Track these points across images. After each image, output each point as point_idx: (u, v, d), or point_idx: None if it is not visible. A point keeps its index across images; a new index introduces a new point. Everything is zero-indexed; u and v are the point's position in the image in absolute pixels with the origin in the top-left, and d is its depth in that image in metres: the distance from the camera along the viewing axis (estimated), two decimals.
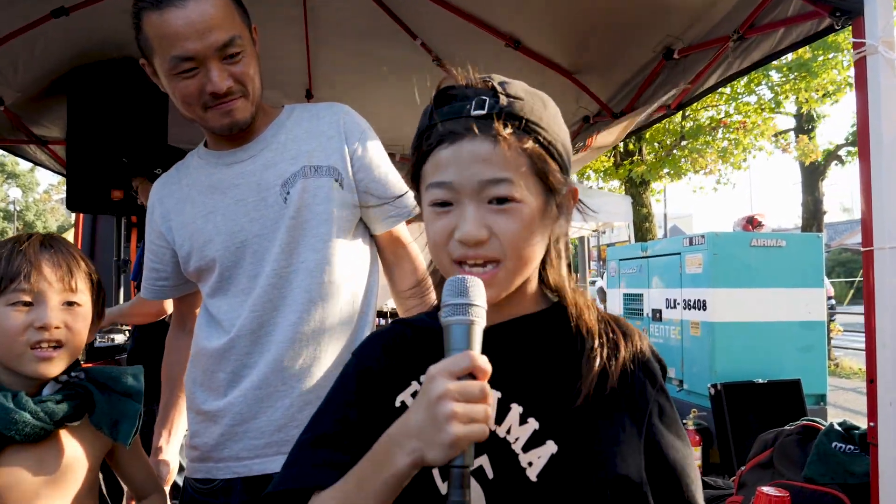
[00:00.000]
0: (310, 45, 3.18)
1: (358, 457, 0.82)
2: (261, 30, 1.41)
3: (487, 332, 0.77)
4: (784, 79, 10.50)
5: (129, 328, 3.47)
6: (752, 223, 6.58)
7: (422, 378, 0.86)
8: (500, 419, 0.83)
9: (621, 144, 11.47)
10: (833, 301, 11.72)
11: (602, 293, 7.53)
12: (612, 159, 12.44)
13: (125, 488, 1.42)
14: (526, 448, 0.81)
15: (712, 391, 4.11)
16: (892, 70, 1.65)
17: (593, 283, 11.92)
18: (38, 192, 40.49)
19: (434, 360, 0.85)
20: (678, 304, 5.02)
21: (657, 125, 10.44)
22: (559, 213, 0.87)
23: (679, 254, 5.02)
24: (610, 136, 3.28)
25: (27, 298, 1.10)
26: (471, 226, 0.80)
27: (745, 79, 10.29)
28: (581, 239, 11.59)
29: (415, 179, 0.88)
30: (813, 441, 2.51)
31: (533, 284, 0.90)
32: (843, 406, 7.27)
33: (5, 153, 3.74)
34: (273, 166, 1.40)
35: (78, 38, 2.78)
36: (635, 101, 2.99)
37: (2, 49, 2.61)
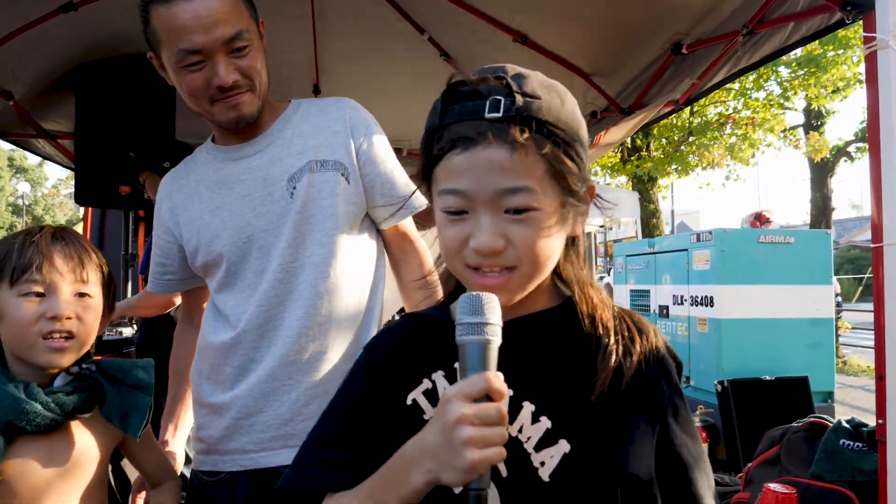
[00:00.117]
0: (317, 40, 3.18)
1: (367, 456, 0.81)
2: (268, 24, 1.41)
3: (502, 328, 0.77)
4: (793, 74, 10.43)
5: (137, 321, 3.49)
6: (760, 219, 6.55)
7: (433, 376, 0.86)
8: (512, 417, 0.81)
9: (628, 140, 11.43)
10: (839, 298, 11.67)
11: (609, 289, 7.51)
12: (619, 155, 12.40)
13: (132, 480, 1.43)
14: (538, 447, 0.80)
15: (719, 388, 4.11)
16: None
17: (601, 279, 11.89)
18: (46, 186, 40.73)
19: (444, 356, 0.84)
20: (685, 300, 5.01)
21: (665, 121, 10.40)
22: (577, 211, 0.83)
23: (686, 250, 5.01)
24: (619, 132, 3.27)
25: (39, 289, 1.11)
26: (487, 236, 0.77)
27: (754, 74, 10.23)
28: (588, 235, 11.56)
29: (426, 177, 0.85)
30: (821, 438, 2.50)
31: (547, 280, 0.88)
32: (850, 403, 7.24)
33: (14, 147, 3.75)
34: (279, 161, 1.40)
35: (86, 33, 2.79)
36: (643, 97, 2.97)
37: (11, 44, 2.62)
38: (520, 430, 0.82)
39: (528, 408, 0.82)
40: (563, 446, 0.80)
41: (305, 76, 3.44)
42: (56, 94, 3.18)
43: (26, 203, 36.57)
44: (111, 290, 1.24)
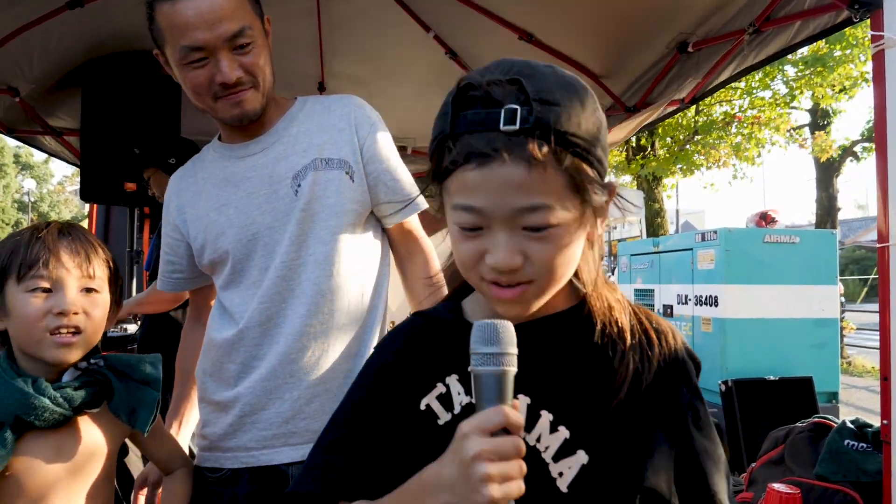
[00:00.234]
0: (322, 38, 3.18)
1: (378, 461, 0.81)
2: (273, 21, 1.41)
3: (517, 330, 0.76)
4: (800, 73, 10.40)
5: (140, 318, 3.50)
6: (765, 219, 6.53)
7: (447, 379, 0.84)
8: (529, 426, 0.80)
9: (633, 140, 11.41)
10: (842, 299, 11.65)
11: None
12: (623, 154, 12.38)
13: (135, 476, 1.43)
14: (556, 458, 0.79)
15: (723, 388, 4.10)
16: None
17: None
18: (52, 183, 40.91)
19: (456, 358, 0.82)
20: (689, 300, 5.00)
21: (670, 120, 10.37)
22: (597, 215, 0.79)
23: (691, 249, 5.00)
24: (621, 131, 3.27)
25: (46, 285, 1.11)
26: (504, 254, 0.73)
27: (760, 73, 10.19)
28: None
29: (435, 179, 0.79)
30: (825, 438, 2.50)
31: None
32: (855, 404, 7.22)
33: (20, 144, 3.77)
34: (284, 159, 1.40)
35: (92, 29, 2.80)
36: (648, 95, 2.97)
37: (17, 40, 2.63)
38: (538, 440, 0.80)
39: (545, 417, 0.80)
40: (582, 457, 0.78)
41: (311, 74, 3.44)
42: (62, 91, 3.19)
43: (32, 200, 36.71)
44: (118, 286, 1.24)
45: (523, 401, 0.80)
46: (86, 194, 3.32)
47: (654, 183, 12.53)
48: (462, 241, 0.77)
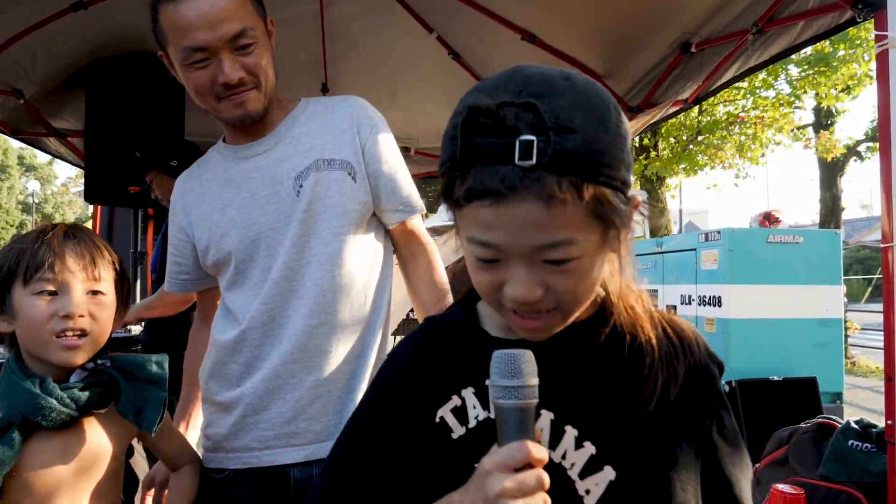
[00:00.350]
0: (326, 39, 3.19)
1: (393, 472, 0.81)
2: (277, 23, 1.42)
3: (538, 342, 0.75)
4: (803, 73, 10.38)
5: (143, 319, 3.50)
6: (768, 219, 6.51)
7: (463, 392, 0.83)
8: (554, 443, 0.78)
9: (636, 140, 11.39)
10: (846, 299, 11.62)
11: None
12: None
13: (140, 477, 1.44)
14: (583, 475, 0.77)
15: (727, 388, 4.09)
16: None
17: None
18: (56, 184, 40.99)
19: (472, 370, 0.81)
20: (693, 300, 4.99)
21: (673, 120, 10.36)
22: (620, 231, 0.73)
23: (694, 250, 4.99)
24: None
25: (51, 288, 1.11)
26: (524, 288, 0.70)
27: (764, 73, 10.18)
28: None
29: (447, 200, 0.73)
30: (829, 439, 2.49)
31: None
32: (859, 405, 7.20)
33: (24, 146, 3.79)
34: (287, 160, 1.41)
35: (96, 31, 2.81)
36: (651, 96, 2.97)
37: (21, 42, 2.64)
38: (563, 457, 0.78)
39: (570, 432, 0.78)
40: (609, 473, 0.76)
41: (314, 75, 3.45)
42: (66, 93, 3.20)
43: (36, 201, 36.82)
44: (125, 287, 1.25)
45: (546, 416, 0.78)
46: (90, 196, 3.33)
47: (657, 183, 12.52)
48: (479, 271, 0.73)
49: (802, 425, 2.76)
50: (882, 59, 1.68)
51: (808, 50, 9.52)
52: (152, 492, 1.45)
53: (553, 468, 0.75)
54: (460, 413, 0.82)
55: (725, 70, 2.65)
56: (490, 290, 0.74)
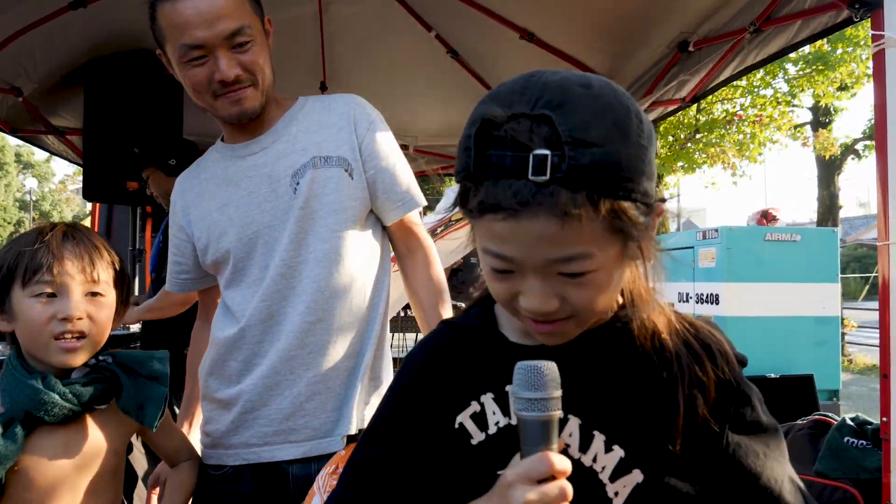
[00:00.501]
0: (324, 37, 3.19)
1: (412, 477, 0.81)
2: (275, 22, 1.43)
3: (559, 348, 0.74)
4: (801, 72, 10.38)
5: None
6: (766, 217, 6.52)
7: (482, 398, 0.82)
8: (584, 446, 0.78)
9: None
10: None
11: None
12: None
13: (139, 474, 1.44)
14: (613, 478, 0.77)
15: None
16: None
17: None
18: (53, 182, 40.92)
19: (491, 375, 0.81)
20: (690, 297, 5.00)
21: (671, 118, 10.36)
22: (640, 242, 0.71)
23: (692, 247, 5.00)
24: None
25: (50, 290, 1.12)
26: (539, 301, 0.70)
27: (762, 72, 10.18)
28: None
29: (463, 207, 0.72)
30: (825, 436, 2.50)
31: None
32: (856, 402, 7.22)
33: (21, 143, 3.79)
34: (284, 158, 1.41)
35: (95, 29, 2.81)
36: (649, 94, 2.97)
37: (20, 40, 2.64)
38: (594, 460, 0.77)
39: (599, 437, 0.78)
40: (637, 476, 0.76)
41: (312, 74, 3.45)
42: (65, 91, 3.20)
43: (33, 198, 36.74)
44: (124, 287, 1.25)
45: (574, 422, 0.78)
46: (88, 193, 3.34)
47: (655, 181, 12.52)
48: (494, 280, 0.73)
49: (799, 422, 2.77)
50: (878, 59, 1.69)
51: (807, 49, 9.53)
52: (157, 490, 1.46)
53: (584, 472, 0.76)
54: (480, 419, 0.82)
55: (723, 69, 2.65)
56: (506, 298, 0.74)
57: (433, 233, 4.12)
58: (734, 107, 11.41)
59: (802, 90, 10.63)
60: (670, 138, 12.12)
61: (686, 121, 11.69)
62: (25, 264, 1.11)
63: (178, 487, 1.37)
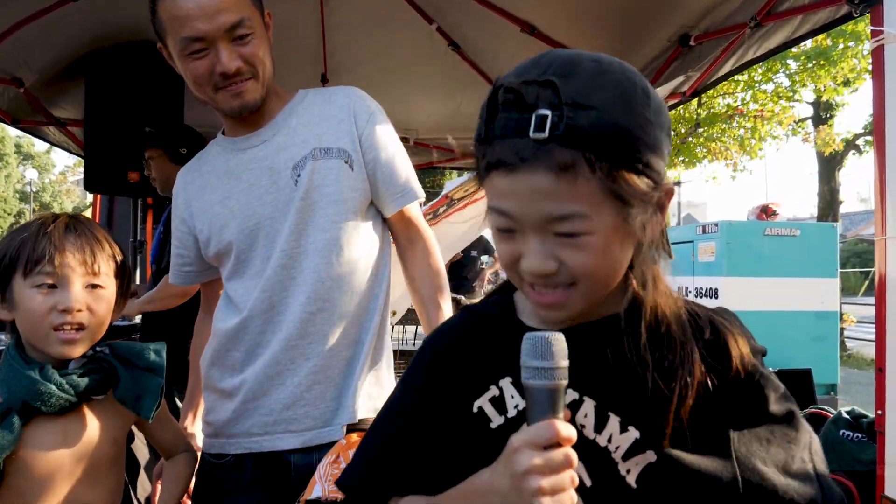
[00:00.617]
0: (325, 29, 3.19)
1: (429, 458, 0.83)
2: (276, 14, 1.43)
3: (574, 333, 0.75)
4: (802, 67, 10.36)
5: None
6: (766, 212, 6.53)
7: (501, 382, 0.84)
8: (599, 427, 0.80)
9: None
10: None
11: None
12: None
13: (140, 462, 1.45)
14: (626, 457, 0.79)
15: None
16: None
17: None
18: (53, 173, 40.87)
19: (510, 360, 0.81)
20: (690, 292, 5.02)
21: (672, 112, 10.31)
22: (646, 219, 0.73)
23: (692, 242, 5.01)
24: None
25: (50, 281, 1.12)
26: (536, 260, 0.73)
27: (763, 66, 10.15)
28: None
29: (477, 177, 0.78)
30: (820, 429, 2.52)
31: (619, 281, 0.81)
32: (854, 396, 7.24)
33: (21, 134, 3.80)
34: (285, 150, 1.42)
35: (96, 20, 2.81)
36: None
37: (21, 31, 2.64)
38: (609, 440, 0.79)
39: (614, 419, 0.80)
40: (650, 456, 0.78)
41: (313, 66, 3.45)
42: (66, 82, 3.21)
43: (34, 189, 36.72)
44: (125, 279, 1.26)
45: (589, 403, 0.80)
46: (89, 185, 3.34)
47: None
48: (500, 242, 0.77)
49: None
50: (878, 54, 1.69)
51: (808, 44, 9.50)
52: (161, 482, 1.47)
53: (598, 451, 0.78)
54: (498, 403, 0.83)
55: (724, 63, 2.66)
56: (510, 261, 0.77)
57: (435, 213, 4.12)
58: (735, 101, 11.39)
59: (804, 85, 10.60)
60: (671, 133, 12.09)
61: (687, 115, 11.66)
62: (27, 255, 1.12)
63: (175, 479, 1.38)
